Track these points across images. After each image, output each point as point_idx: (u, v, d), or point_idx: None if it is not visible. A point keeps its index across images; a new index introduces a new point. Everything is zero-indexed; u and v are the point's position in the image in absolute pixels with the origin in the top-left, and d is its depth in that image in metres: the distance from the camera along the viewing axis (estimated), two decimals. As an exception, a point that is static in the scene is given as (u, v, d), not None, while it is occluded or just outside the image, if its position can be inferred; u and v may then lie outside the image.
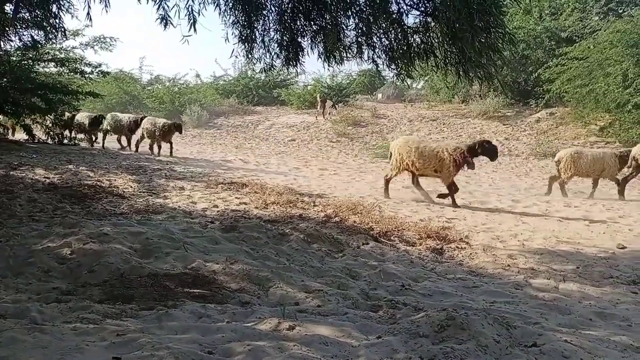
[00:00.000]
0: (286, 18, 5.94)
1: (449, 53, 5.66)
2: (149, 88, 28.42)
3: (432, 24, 5.65)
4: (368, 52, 5.96)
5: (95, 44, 15.49)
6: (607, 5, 19.35)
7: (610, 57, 15.20)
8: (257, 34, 6.03)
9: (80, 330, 2.78)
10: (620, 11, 19.34)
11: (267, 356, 2.56)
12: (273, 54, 6.17)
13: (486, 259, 5.67)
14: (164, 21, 5.29)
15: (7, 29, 7.99)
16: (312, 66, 38.22)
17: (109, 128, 15.07)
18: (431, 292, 4.29)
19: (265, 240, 5.38)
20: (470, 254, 5.87)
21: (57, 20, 6.49)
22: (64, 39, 11.95)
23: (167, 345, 2.55)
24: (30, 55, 13.27)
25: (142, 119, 14.71)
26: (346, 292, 4.04)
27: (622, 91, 14.46)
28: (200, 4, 5.47)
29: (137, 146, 14.62)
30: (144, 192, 7.80)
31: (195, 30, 5.26)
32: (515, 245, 6.33)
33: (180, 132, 14.48)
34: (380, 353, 2.69)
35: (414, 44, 5.72)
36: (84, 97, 14.71)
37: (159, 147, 14.18)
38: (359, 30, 5.69)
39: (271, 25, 6.05)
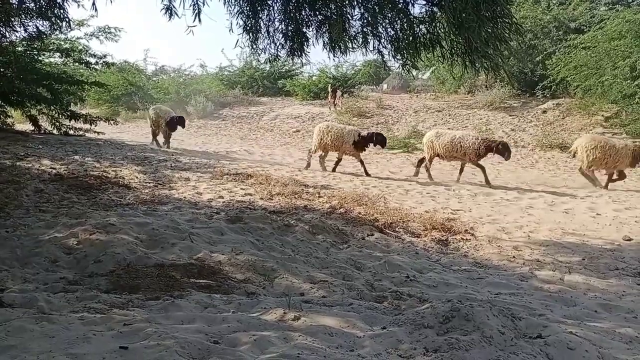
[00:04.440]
0: (291, 8, 5.90)
1: (455, 43, 5.61)
2: (154, 79, 28.39)
3: (438, 13, 5.59)
4: (373, 43, 5.91)
5: (100, 34, 15.43)
6: (617, -4, 19.10)
7: (618, 48, 15.01)
8: (261, 24, 5.98)
9: (87, 319, 2.81)
10: (630, 0, 19.08)
11: (272, 346, 2.58)
12: (278, 44, 6.13)
13: (491, 250, 5.67)
14: (169, 11, 5.25)
15: (12, 19, 7.98)
16: (317, 56, 38.11)
17: None
18: (436, 284, 4.30)
19: (271, 231, 5.40)
20: (476, 245, 5.87)
21: (62, 11, 6.48)
22: (69, 29, 11.86)
23: (173, 335, 2.57)
24: (35, 46, 13.25)
25: None
26: (351, 283, 4.06)
27: (631, 82, 14.29)
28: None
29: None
30: (149, 183, 7.83)
31: (200, 20, 5.22)
32: (520, 236, 6.32)
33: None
34: (385, 344, 2.70)
35: (419, 34, 5.66)
36: (89, 88, 14.65)
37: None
38: (365, 20, 5.64)
39: (276, 15, 6.01)
